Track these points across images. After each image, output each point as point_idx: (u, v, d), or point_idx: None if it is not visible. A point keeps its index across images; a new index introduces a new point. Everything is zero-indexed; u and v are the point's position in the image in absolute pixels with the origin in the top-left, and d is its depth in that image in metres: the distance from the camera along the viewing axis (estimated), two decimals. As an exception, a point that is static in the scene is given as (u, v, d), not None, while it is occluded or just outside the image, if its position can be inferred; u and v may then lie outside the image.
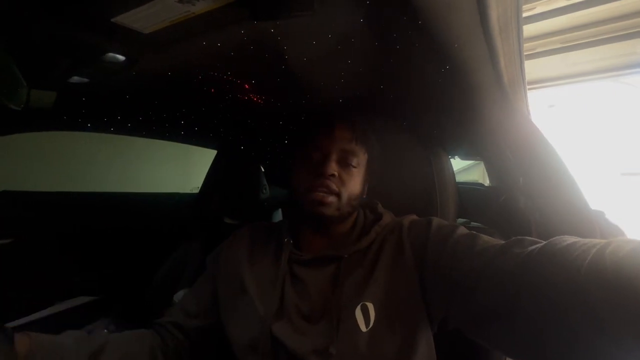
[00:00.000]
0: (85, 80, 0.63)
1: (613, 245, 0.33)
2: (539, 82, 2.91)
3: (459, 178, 1.16)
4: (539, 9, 2.12)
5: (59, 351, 0.50)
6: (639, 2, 2.07)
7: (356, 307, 0.54)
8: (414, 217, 0.64)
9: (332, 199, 0.58)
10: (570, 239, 0.39)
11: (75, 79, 0.61)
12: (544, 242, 0.41)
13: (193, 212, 1.30)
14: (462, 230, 0.55)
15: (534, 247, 0.42)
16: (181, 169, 2.02)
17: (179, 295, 0.95)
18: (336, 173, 0.59)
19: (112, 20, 0.38)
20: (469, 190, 1.01)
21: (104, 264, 1.14)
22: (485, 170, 1.13)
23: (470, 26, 0.36)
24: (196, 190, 1.35)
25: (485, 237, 0.51)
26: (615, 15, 2.20)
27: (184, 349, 0.63)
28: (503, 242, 0.48)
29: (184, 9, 0.36)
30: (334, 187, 0.59)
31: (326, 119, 0.65)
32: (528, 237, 0.45)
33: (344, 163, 0.61)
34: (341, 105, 0.72)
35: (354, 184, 0.62)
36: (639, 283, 0.29)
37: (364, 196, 0.67)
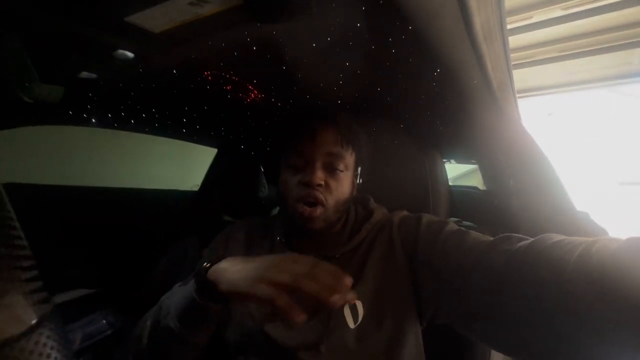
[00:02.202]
0: (94, 76, 0.65)
1: (599, 244, 0.34)
2: (537, 89, 2.94)
3: (459, 184, 1.17)
4: (535, 18, 2.16)
5: None
6: (635, 13, 2.10)
7: (345, 305, 0.54)
8: (405, 213, 0.65)
9: (319, 212, 0.57)
10: (557, 237, 0.39)
11: (84, 74, 0.64)
12: (532, 240, 0.42)
13: (192, 209, 1.32)
14: (452, 226, 0.56)
15: (521, 244, 0.42)
16: (181, 166, 2.03)
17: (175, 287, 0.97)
18: (323, 182, 0.57)
19: (125, 19, 0.41)
20: (463, 194, 1.03)
21: (102, 257, 1.16)
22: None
23: (455, 32, 0.38)
24: (196, 188, 1.37)
25: (474, 234, 0.52)
26: (612, 25, 2.23)
27: None
28: (492, 238, 0.49)
29: (193, 11, 0.39)
30: (320, 197, 0.57)
31: (309, 122, 0.61)
32: (516, 234, 0.46)
33: (331, 168, 0.59)
34: (337, 106, 0.74)
35: (342, 188, 0.60)
36: (624, 281, 0.30)
37: (353, 194, 0.67)
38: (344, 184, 0.61)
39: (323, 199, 0.57)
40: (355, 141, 0.64)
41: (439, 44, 0.40)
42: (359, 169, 0.67)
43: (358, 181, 0.67)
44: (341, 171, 0.60)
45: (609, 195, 3.96)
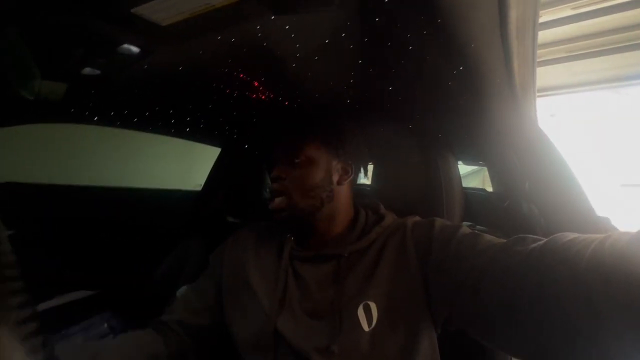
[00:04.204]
0: (97, 72, 0.63)
1: (612, 238, 0.34)
2: (542, 90, 2.91)
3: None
4: (544, 18, 2.13)
5: None
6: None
7: (358, 306, 0.54)
8: (417, 217, 0.64)
9: (278, 201, 0.61)
10: (571, 235, 0.40)
11: (88, 70, 0.61)
12: (546, 240, 0.42)
13: (195, 209, 1.30)
14: (465, 229, 0.55)
15: (535, 244, 0.42)
16: (184, 165, 2.02)
17: (181, 292, 0.95)
18: (282, 174, 0.62)
19: (132, 11, 0.38)
20: (473, 195, 1.01)
21: (105, 257, 1.14)
22: (485, 178, 1.13)
23: (488, 26, 0.36)
24: (199, 188, 1.35)
25: (488, 237, 0.52)
26: (620, 25, 2.21)
27: (188, 348, 0.63)
28: (505, 240, 0.48)
29: (204, 1, 0.36)
30: (279, 188, 0.62)
31: (279, 125, 0.70)
32: (530, 236, 0.45)
33: (289, 161, 0.63)
34: (347, 105, 0.72)
35: (304, 177, 0.62)
36: (636, 273, 0.30)
37: (335, 184, 0.65)
38: (305, 173, 0.63)
39: (281, 189, 0.62)
40: (326, 134, 0.66)
41: (468, 39, 0.38)
42: (351, 165, 0.67)
43: (351, 175, 0.67)
44: (299, 161, 0.63)
45: (611, 197, 3.94)
